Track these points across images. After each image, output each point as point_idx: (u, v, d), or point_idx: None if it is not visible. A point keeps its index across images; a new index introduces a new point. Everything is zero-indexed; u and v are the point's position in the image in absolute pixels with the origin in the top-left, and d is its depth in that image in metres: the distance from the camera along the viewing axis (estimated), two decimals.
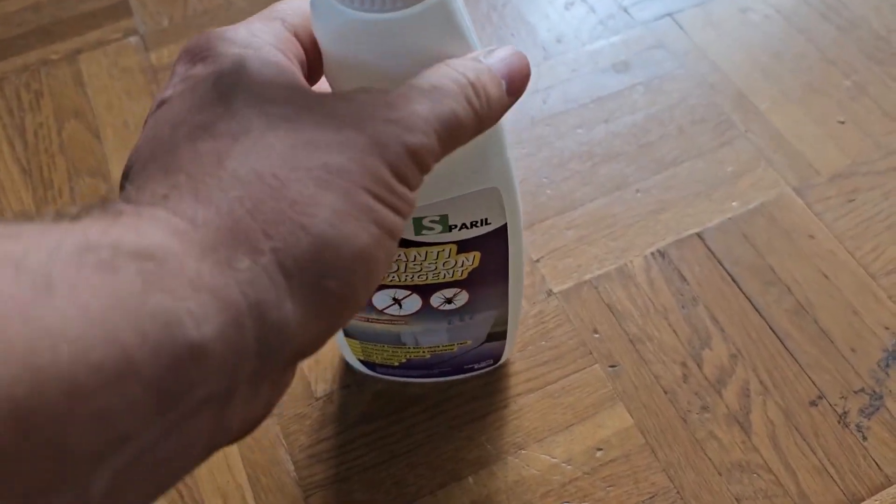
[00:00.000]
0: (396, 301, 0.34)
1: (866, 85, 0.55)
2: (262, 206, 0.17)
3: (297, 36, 0.23)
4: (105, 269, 0.14)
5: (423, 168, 0.20)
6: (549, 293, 0.46)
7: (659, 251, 0.48)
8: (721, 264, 0.47)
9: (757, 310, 0.45)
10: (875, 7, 0.59)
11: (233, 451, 0.41)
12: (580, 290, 0.46)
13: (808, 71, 0.56)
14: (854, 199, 0.49)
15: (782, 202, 0.49)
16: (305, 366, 0.44)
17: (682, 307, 0.45)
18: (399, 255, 0.30)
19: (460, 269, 0.32)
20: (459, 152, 0.26)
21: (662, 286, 0.46)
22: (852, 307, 0.45)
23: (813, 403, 0.42)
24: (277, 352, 0.17)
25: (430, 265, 0.31)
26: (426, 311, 0.34)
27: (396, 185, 0.19)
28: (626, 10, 0.60)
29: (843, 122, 0.53)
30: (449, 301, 0.34)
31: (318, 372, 0.44)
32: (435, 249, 0.30)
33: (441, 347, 0.38)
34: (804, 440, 0.41)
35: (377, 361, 0.40)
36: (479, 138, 0.26)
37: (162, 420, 0.15)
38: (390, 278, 0.32)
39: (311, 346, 0.19)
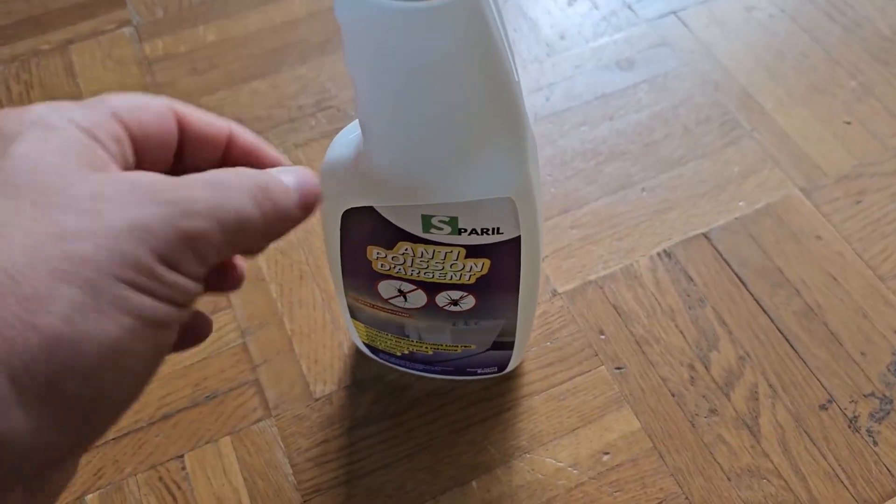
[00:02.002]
0: (402, 293, 0.33)
1: (872, 85, 0.54)
2: None
3: (121, 119, 0.20)
4: None
5: (201, 256, 0.19)
6: (554, 293, 0.45)
7: (665, 251, 0.47)
8: (728, 265, 0.46)
9: (765, 311, 0.44)
10: (880, 7, 0.59)
11: (229, 453, 0.40)
12: (585, 291, 0.45)
13: (814, 71, 0.55)
14: (861, 201, 0.49)
15: (789, 203, 0.48)
16: (304, 366, 0.43)
17: (690, 308, 0.44)
18: (406, 249, 0.29)
19: (468, 274, 0.31)
20: (476, 156, 0.25)
21: (669, 287, 0.45)
22: (862, 310, 0.44)
23: (823, 407, 0.41)
24: (8, 465, 0.16)
25: (437, 265, 0.30)
26: (431, 308, 0.33)
27: (162, 271, 0.17)
28: (629, 7, 0.59)
29: (849, 123, 0.52)
30: (455, 303, 0.33)
31: (317, 372, 0.43)
32: (443, 250, 0.29)
33: (444, 346, 0.37)
34: (814, 445, 0.40)
35: (380, 348, 0.39)
36: (499, 147, 0.25)
37: None
38: (396, 270, 0.31)
39: (64, 454, 0.17)
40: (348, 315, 0.37)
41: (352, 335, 0.41)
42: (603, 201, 0.49)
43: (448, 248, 0.29)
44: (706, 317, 0.44)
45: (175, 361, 0.43)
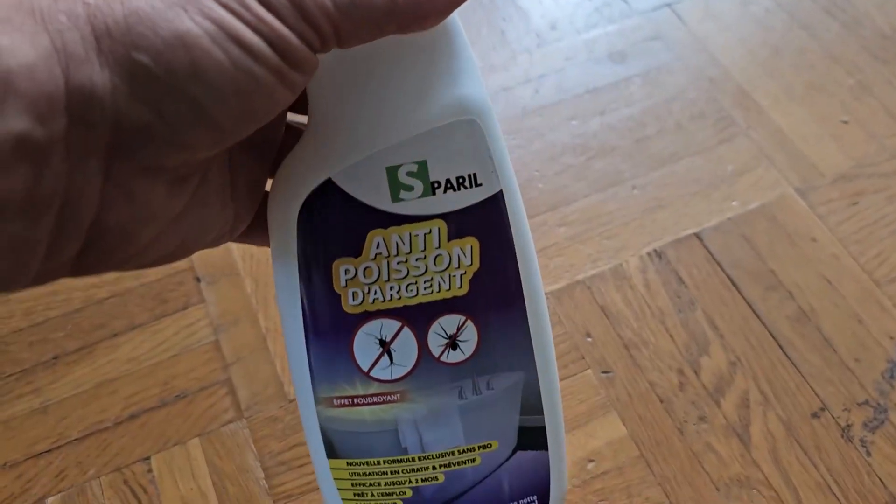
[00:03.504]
0: (384, 347, 0.28)
1: (871, 84, 0.53)
2: None
3: None
4: None
5: (304, 11, 0.19)
6: None
7: (656, 251, 0.45)
8: (720, 267, 0.44)
9: (757, 315, 0.43)
10: (880, 5, 0.57)
11: (198, 455, 0.38)
12: (573, 291, 0.44)
13: (811, 68, 0.54)
14: (858, 203, 0.47)
15: (784, 203, 0.47)
16: (279, 365, 0.41)
17: (680, 311, 0.43)
18: (378, 245, 0.27)
19: (458, 274, 0.27)
20: (428, 77, 0.24)
21: (659, 288, 0.44)
22: (856, 315, 0.43)
23: (815, 416, 0.40)
24: (89, 116, 0.17)
25: (418, 261, 0.27)
26: (426, 364, 0.28)
27: (253, 3, 0.18)
28: None
29: (846, 122, 0.51)
30: (452, 344, 0.28)
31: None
32: (420, 229, 0.26)
33: (457, 454, 0.29)
34: (806, 455, 0.39)
35: (373, 501, 0.30)
36: (445, 67, 0.25)
37: None
38: (372, 295, 0.27)
39: (136, 134, 0.18)
40: (325, 465, 0.30)
41: None
42: (592, 198, 0.47)
43: (425, 226, 0.26)
44: (697, 320, 0.43)
45: (143, 358, 0.41)
